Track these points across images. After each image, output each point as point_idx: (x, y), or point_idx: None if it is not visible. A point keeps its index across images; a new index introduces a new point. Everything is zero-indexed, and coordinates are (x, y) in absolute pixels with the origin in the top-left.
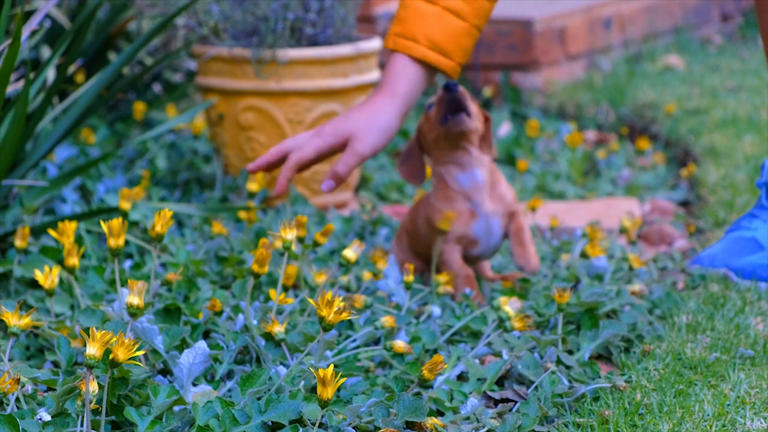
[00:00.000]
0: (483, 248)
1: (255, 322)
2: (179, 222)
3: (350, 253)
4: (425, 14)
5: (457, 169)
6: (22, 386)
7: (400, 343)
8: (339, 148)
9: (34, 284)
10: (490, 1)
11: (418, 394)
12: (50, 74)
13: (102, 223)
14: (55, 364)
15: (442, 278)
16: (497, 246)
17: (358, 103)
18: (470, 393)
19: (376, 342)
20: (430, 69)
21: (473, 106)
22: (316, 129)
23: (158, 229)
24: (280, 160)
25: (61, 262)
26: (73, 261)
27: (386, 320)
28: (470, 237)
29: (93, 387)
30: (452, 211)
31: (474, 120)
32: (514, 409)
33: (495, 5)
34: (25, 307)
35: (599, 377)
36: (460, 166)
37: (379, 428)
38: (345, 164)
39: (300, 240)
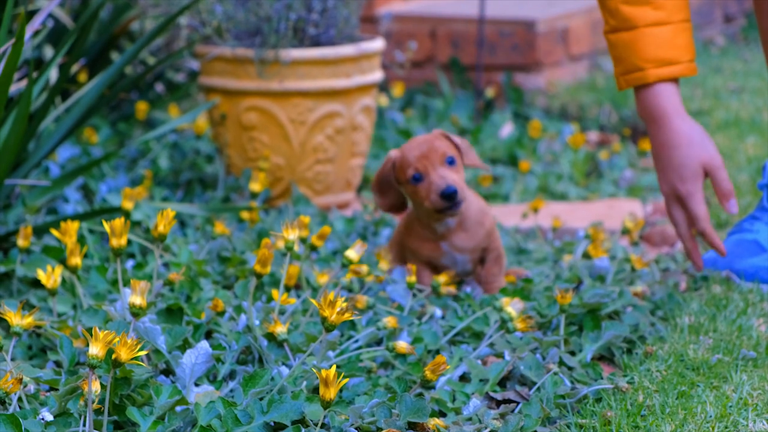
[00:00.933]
0: (454, 272)
1: (257, 322)
2: (182, 222)
3: (352, 253)
4: (632, 42)
5: (433, 220)
6: (25, 386)
7: (402, 344)
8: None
9: (36, 284)
10: None
11: (420, 394)
12: (53, 74)
13: (104, 222)
14: (58, 363)
15: (442, 278)
16: (470, 271)
17: (657, 149)
18: (472, 394)
19: (379, 342)
20: (672, 79)
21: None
22: (668, 201)
23: (161, 229)
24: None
25: (63, 261)
26: (76, 261)
27: (388, 321)
28: (438, 263)
29: (95, 387)
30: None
31: (464, 196)
32: (517, 410)
33: None
34: (27, 306)
35: (601, 378)
36: (437, 219)
37: (382, 429)
38: (725, 180)
39: (302, 240)
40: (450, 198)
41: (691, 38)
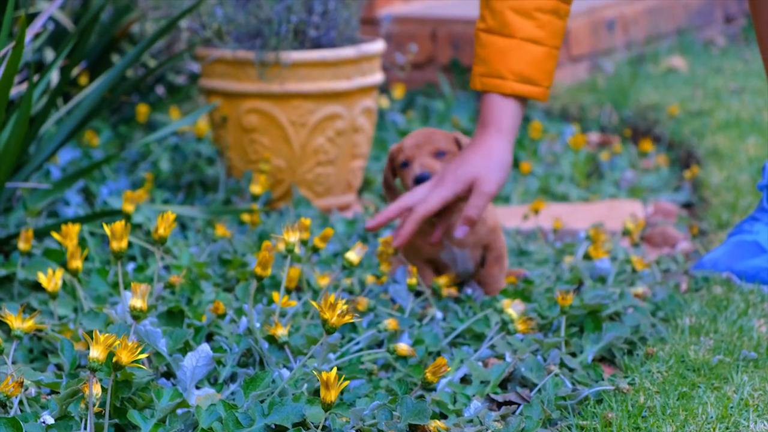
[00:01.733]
0: (455, 272)
1: (258, 324)
2: (182, 224)
3: (353, 255)
4: (505, 49)
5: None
6: (26, 389)
7: (403, 346)
8: (463, 194)
9: (37, 287)
10: (561, 19)
11: (421, 396)
12: (54, 77)
13: (105, 225)
14: (59, 367)
15: (443, 280)
16: (471, 271)
17: (467, 147)
18: (473, 396)
19: (380, 345)
20: (522, 99)
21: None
22: (433, 180)
23: (161, 231)
24: (400, 215)
25: (64, 264)
26: (76, 263)
27: (389, 323)
28: (439, 262)
29: (96, 390)
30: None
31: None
32: (517, 412)
33: (567, 21)
34: (28, 309)
35: (602, 380)
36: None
37: (383, 431)
38: (476, 207)
39: (303, 243)
40: (418, 183)
41: (555, 66)
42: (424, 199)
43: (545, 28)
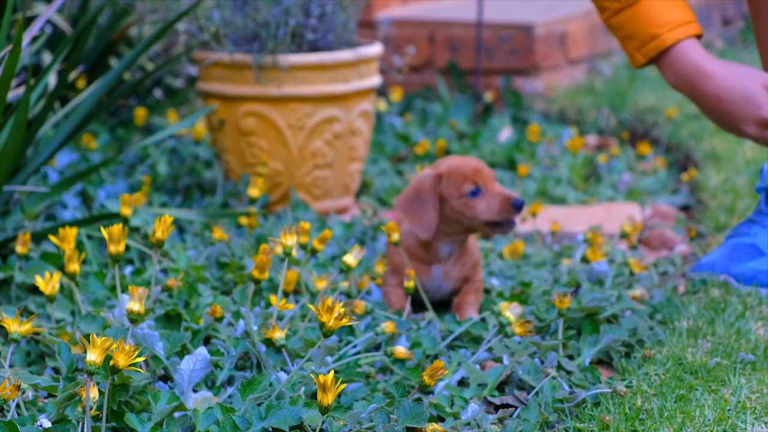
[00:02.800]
0: (429, 294)
1: (256, 327)
2: (180, 227)
3: (350, 258)
4: (642, 14)
5: (438, 241)
6: (23, 392)
7: (400, 349)
8: None
9: (34, 290)
10: None
11: (418, 399)
12: (51, 80)
13: (102, 229)
14: (56, 370)
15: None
16: (446, 299)
17: (717, 92)
18: (471, 398)
19: (377, 348)
20: (692, 39)
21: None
22: (763, 123)
23: (159, 234)
24: None
25: (61, 268)
26: (74, 267)
27: (387, 326)
28: (422, 286)
29: (93, 393)
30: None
31: None
32: (515, 415)
33: None
34: (25, 313)
35: (600, 382)
36: (448, 239)
37: None
38: None
39: (302, 246)
40: (519, 209)
41: (686, 3)
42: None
43: None
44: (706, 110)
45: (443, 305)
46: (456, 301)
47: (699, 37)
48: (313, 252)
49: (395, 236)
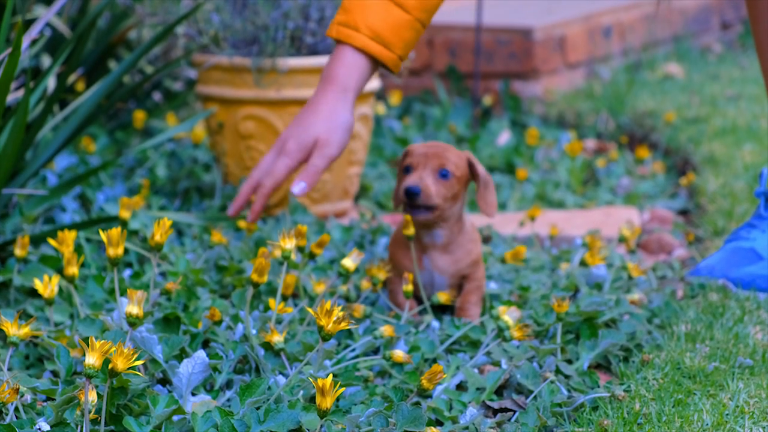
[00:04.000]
0: (429, 295)
1: (254, 331)
2: (179, 231)
3: (349, 262)
4: (369, 4)
5: (420, 228)
6: (21, 396)
7: (399, 353)
8: (307, 159)
9: (33, 293)
10: None
11: (417, 403)
12: (51, 83)
13: (101, 232)
14: (55, 373)
15: (443, 297)
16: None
17: (307, 107)
18: (469, 402)
19: (376, 351)
20: (373, 60)
21: (448, 186)
22: (276, 147)
23: (157, 238)
24: (253, 192)
25: (60, 271)
26: (73, 270)
27: (385, 330)
28: (416, 279)
29: (92, 397)
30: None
31: (437, 209)
32: (513, 419)
33: (442, 3)
34: (24, 316)
35: (598, 387)
36: (425, 227)
37: None
38: (315, 167)
39: (300, 250)
40: (410, 196)
41: (414, 45)
42: (270, 172)
43: None
44: (305, 106)
45: (442, 309)
46: (458, 303)
47: (383, 66)
48: (311, 256)
49: (411, 230)
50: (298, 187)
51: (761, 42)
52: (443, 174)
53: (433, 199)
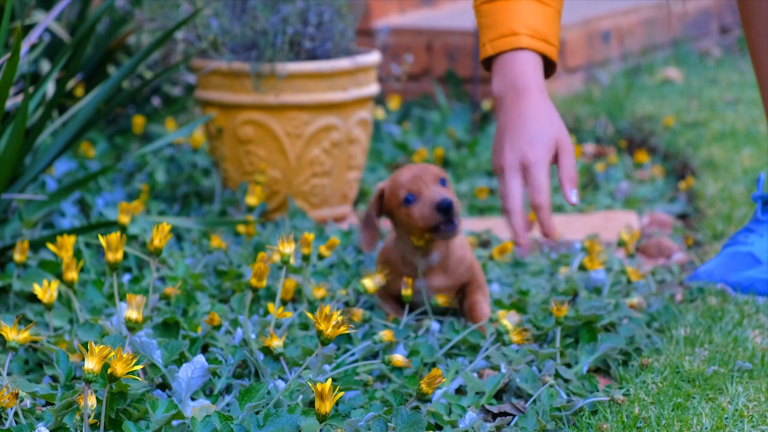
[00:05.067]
0: (421, 306)
1: (253, 336)
2: (178, 236)
3: (369, 283)
4: (514, 9)
5: (413, 255)
6: (21, 401)
7: (398, 357)
8: (553, 160)
9: (32, 298)
10: None
11: (416, 407)
12: (50, 88)
13: (100, 237)
14: (54, 378)
15: (440, 299)
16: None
17: (511, 121)
18: (468, 406)
19: (375, 356)
20: (540, 57)
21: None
22: (512, 165)
23: (156, 242)
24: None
25: (60, 276)
26: (72, 275)
27: (385, 334)
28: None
29: (91, 401)
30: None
31: (459, 217)
32: (513, 423)
33: None
34: (23, 321)
35: (597, 390)
36: (423, 251)
37: None
38: (573, 167)
39: (305, 259)
40: (445, 211)
41: (559, 30)
42: (535, 187)
43: None
44: (501, 123)
45: (440, 311)
46: (466, 306)
47: (551, 66)
48: (319, 258)
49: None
50: (574, 195)
51: (754, 48)
52: (443, 182)
53: (459, 207)
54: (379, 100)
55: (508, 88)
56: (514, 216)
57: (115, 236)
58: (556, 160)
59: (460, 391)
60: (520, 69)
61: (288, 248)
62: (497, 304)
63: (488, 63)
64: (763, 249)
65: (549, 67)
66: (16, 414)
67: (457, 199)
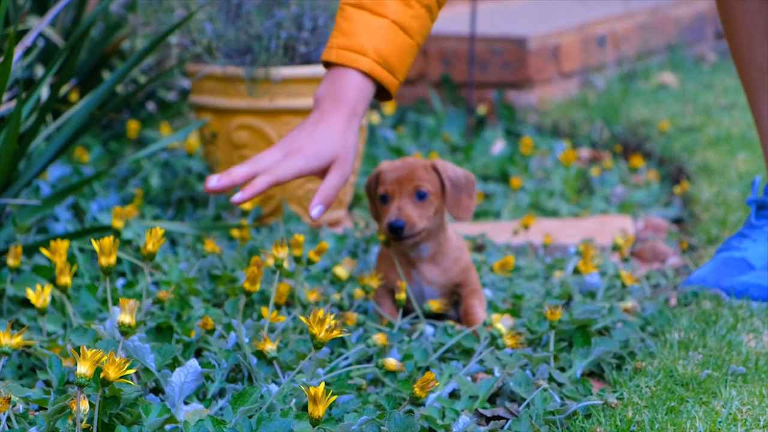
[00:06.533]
0: (419, 307)
1: (247, 340)
2: (172, 240)
3: (341, 270)
4: (373, 27)
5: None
6: (14, 405)
7: (392, 361)
8: (317, 172)
9: (26, 303)
10: (431, 20)
11: (410, 411)
12: (44, 93)
13: (94, 241)
14: (47, 383)
15: (434, 305)
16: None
17: (315, 122)
18: (462, 411)
19: (369, 360)
20: (376, 86)
21: (425, 208)
22: (282, 149)
23: (150, 247)
24: (247, 180)
25: (53, 280)
26: (65, 280)
27: (378, 338)
28: (408, 294)
29: (84, 406)
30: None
31: (419, 232)
32: (506, 427)
33: (432, 26)
34: (17, 326)
35: (591, 394)
36: (412, 244)
37: None
38: (334, 188)
39: (296, 260)
40: (395, 232)
41: (410, 65)
42: (277, 166)
43: (418, 20)
44: (307, 122)
45: (435, 317)
46: (461, 310)
47: (386, 94)
48: (309, 263)
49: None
50: (316, 211)
51: (738, 56)
52: (420, 195)
53: (417, 227)
54: (374, 104)
55: (329, 95)
56: (240, 168)
57: (108, 241)
58: (323, 174)
59: (453, 395)
60: (349, 87)
61: (282, 252)
62: (491, 308)
63: (327, 64)
64: (757, 254)
65: (387, 94)
66: (8, 419)
67: (430, 211)
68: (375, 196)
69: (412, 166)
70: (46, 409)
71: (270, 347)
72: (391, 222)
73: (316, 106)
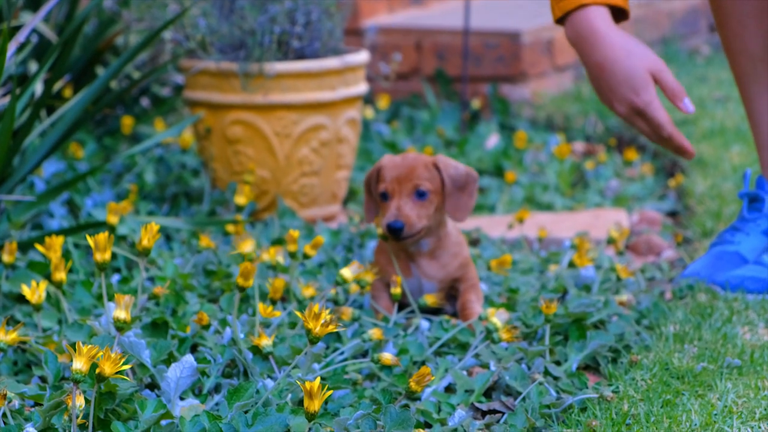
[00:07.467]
0: (416, 301)
1: (242, 335)
2: (167, 236)
3: (347, 272)
4: None
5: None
6: (9, 401)
7: (387, 356)
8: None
9: (21, 299)
10: None
11: (405, 406)
12: (38, 89)
13: (88, 237)
14: (43, 379)
15: (429, 299)
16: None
17: (602, 60)
18: (458, 405)
19: (364, 354)
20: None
21: (423, 208)
22: (632, 108)
23: (145, 243)
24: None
25: (48, 276)
26: (61, 275)
27: (374, 333)
28: (403, 286)
29: (80, 402)
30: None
31: (419, 231)
32: (502, 421)
33: None
34: (12, 322)
35: (587, 388)
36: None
37: None
38: (673, 81)
39: (292, 255)
40: (394, 233)
41: None
42: (660, 124)
43: None
44: (589, 76)
45: (431, 311)
46: (459, 304)
47: (622, 12)
48: (305, 257)
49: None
50: (689, 104)
51: (729, 48)
52: (420, 194)
53: (416, 227)
54: (368, 99)
55: (581, 41)
56: (663, 139)
57: (103, 236)
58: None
59: (449, 389)
60: (585, 22)
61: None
62: (487, 302)
63: (561, 23)
64: (750, 247)
65: (621, 14)
66: (4, 415)
67: (425, 211)
68: (375, 191)
69: (412, 163)
70: (41, 404)
71: (266, 342)
72: (389, 223)
73: (578, 51)
